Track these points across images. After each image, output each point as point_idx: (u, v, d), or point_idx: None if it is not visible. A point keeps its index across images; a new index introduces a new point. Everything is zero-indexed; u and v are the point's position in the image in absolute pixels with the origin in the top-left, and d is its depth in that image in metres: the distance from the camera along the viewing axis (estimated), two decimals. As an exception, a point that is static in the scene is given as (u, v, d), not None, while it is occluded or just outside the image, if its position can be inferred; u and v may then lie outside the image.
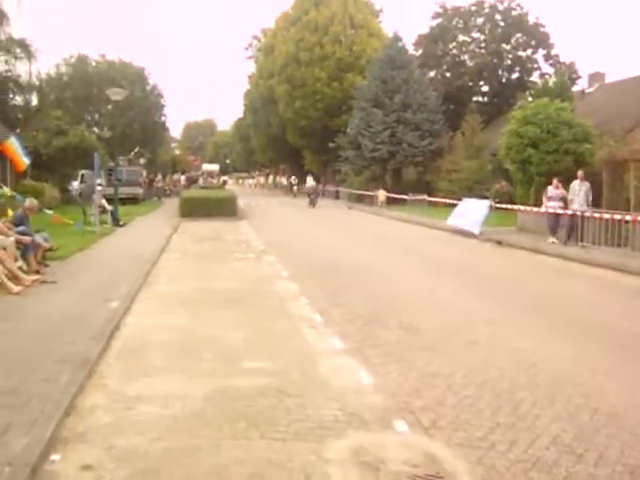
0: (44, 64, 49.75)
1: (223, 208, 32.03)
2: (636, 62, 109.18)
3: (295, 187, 61.15)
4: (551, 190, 21.13)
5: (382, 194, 41.46)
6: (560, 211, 20.52)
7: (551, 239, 20.50)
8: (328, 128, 53.04)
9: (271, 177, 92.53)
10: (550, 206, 20.85)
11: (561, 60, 53.07)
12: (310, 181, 62.43)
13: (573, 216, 19.97)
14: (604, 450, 5.31)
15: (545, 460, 5.12)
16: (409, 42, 52.43)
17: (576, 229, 19.84)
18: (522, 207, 23.82)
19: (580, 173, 20.57)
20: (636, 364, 7.76)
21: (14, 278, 11.68)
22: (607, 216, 18.64)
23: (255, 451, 5.29)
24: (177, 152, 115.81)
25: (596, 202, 21.15)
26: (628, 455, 5.23)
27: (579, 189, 20.23)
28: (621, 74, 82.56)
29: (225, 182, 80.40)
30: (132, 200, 40.31)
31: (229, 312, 10.45)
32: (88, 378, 6.94)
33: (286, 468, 5.01)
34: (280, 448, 5.35)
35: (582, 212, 19.64)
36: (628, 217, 17.74)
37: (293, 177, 65.09)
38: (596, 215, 19.16)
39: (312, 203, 42.49)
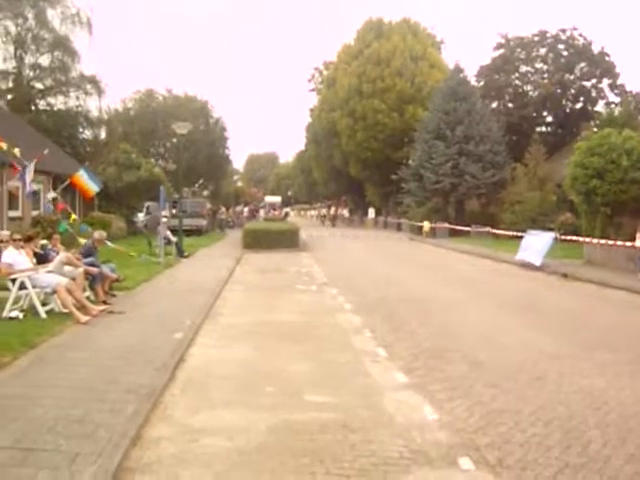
0: (112, 99, 51.31)
1: (285, 240, 32.23)
2: None
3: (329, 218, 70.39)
4: None
5: (427, 225, 43.26)
6: None
7: None
8: (390, 160, 53.23)
9: (333, 209, 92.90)
10: None
11: (627, 89, 52.27)
12: (372, 213, 62.79)
13: None
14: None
15: (617, 503, 4.98)
16: (471, 73, 52.44)
17: None
18: (588, 239, 23.37)
19: None
20: None
21: (82, 308, 11.92)
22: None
23: (316, 486, 5.26)
24: (240, 184, 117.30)
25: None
26: None
27: None
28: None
29: (287, 214, 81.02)
30: (196, 232, 40.81)
31: (292, 345, 10.45)
32: (153, 409, 7.00)
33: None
34: (344, 484, 5.31)
35: None
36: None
37: (324, 210, 68.26)
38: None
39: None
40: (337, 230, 55.37)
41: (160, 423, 6.68)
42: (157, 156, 62.32)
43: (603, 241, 21.89)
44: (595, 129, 30.07)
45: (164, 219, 25.49)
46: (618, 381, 8.36)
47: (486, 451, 5.96)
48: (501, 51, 54.60)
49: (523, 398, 7.53)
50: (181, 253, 26.03)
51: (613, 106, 44.66)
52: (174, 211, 35.60)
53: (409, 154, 48.14)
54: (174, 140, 58.92)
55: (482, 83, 54.15)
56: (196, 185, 64.07)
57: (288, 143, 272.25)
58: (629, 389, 7.98)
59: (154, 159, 54.60)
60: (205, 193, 66.90)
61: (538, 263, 22.53)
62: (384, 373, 8.72)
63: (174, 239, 26.00)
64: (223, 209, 60.28)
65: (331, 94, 62.49)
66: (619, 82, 53.07)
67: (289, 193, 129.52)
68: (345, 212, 76.57)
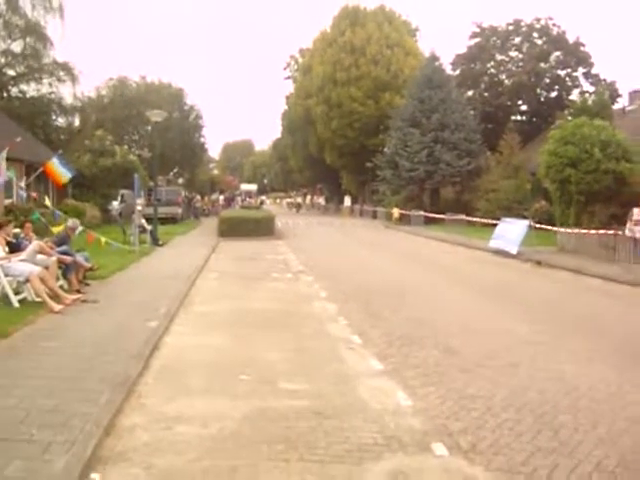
0: (86, 86, 50.79)
1: (261, 228, 32.22)
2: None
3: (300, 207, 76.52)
4: (638, 212, 19.52)
5: (396, 211, 44.07)
6: None
7: None
8: (365, 148, 53.19)
9: (309, 197, 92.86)
10: (638, 232, 19.20)
11: (601, 78, 52.63)
12: (347, 201, 62.80)
13: None
14: (649, 477, 5.20)
15: (588, 487, 5.03)
16: (447, 62, 52.46)
17: None
18: (562, 227, 23.55)
19: None
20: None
21: (55, 297, 11.84)
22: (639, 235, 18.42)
23: (293, 473, 5.27)
24: (215, 172, 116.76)
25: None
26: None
27: None
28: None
29: (263, 202, 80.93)
30: (171, 220, 40.68)
31: (267, 333, 10.45)
32: (127, 398, 6.98)
33: (326, 491, 4.99)
34: (318, 470, 5.33)
35: None
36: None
37: (299, 198, 69.78)
38: (638, 235, 18.89)
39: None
40: (313, 218, 55.36)
41: (134, 412, 6.66)
42: (131, 143, 61.74)
43: (577, 229, 22.04)
44: (569, 118, 30.20)
45: (139, 207, 25.34)
46: (590, 367, 8.46)
47: (459, 437, 6.01)
48: (476, 40, 54.70)
49: (496, 384, 7.60)
50: (156, 241, 25.91)
51: (587, 95, 44.89)
52: (149, 199, 35.38)
53: (385, 142, 48.14)
54: (148, 128, 58.41)
55: (458, 72, 54.25)
56: (171, 173, 63.78)
57: (264, 131, 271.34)
58: (600, 375, 8.08)
59: (128, 146, 54.00)
60: (180, 181, 66.65)
61: (514, 251, 22.66)
62: (359, 360, 8.75)
63: (149, 227, 25.86)
64: (198, 197, 60.09)
65: (306, 82, 62.27)
66: (594, 71, 53.42)
67: (265, 181, 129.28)
68: (321, 200, 76.53)
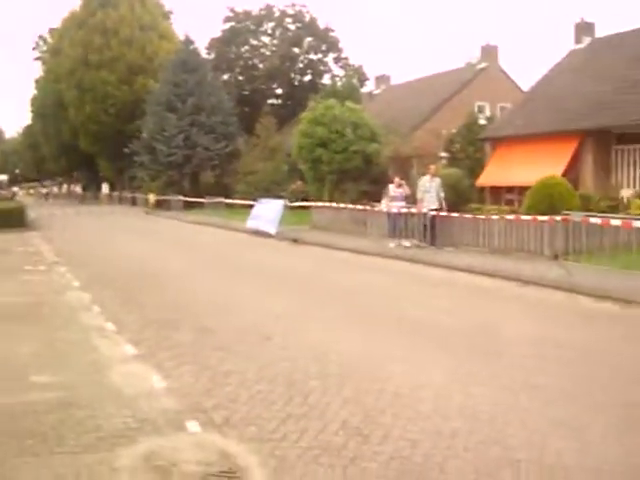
0: None
1: (12, 220, 30.26)
2: (416, 65, 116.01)
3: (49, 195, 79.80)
4: (393, 189, 19.61)
5: (152, 197, 44.07)
6: (405, 211, 19.17)
7: (392, 243, 18.83)
8: (122, 133, 51.65)
9: (65, 186, 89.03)
10: (393, 206, 19.27)
11: (350, 63, 55.21)
12: (105, 188, 60.94)
13: (425, 216, 18.33)
14: (389, 429, 5.54)
15: (334, 445, 5.26)
16: (202, 46, 52.41)
17: (433, 230, 18.21)
18: (315, 205, 24.46)
19: (432, 167, 19.19)
20: (420, 347, 8.23)
21: None
22: (394, 210, 19.61)
23: (42, 468, 5.03)
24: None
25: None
26: (410, 430, 5.50)
27: (429, 186, 18.45)
28: (405, 76, 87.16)
29: (15, 194, 76.32)
30: None
31: (15, 327, 9.85)
32: None
33: (73, 483, 4.80)
34: (69, 462, 5.11)
35: (437, 211, 18.16)
36: (414, 210, 18.71)
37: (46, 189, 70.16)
38: (384, 209, 20.08)
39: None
40: (70, 207, 53.07)
41: None
42: None
43: (328, 204, 22.98)
44: (321, 100, 31.40)
45: None
46: (339, 334, 8.89)
47: (213, 412, 6.05)
48: (231, 24, 55.13)
49: (250, 358, 7.74)
50: None
51: (338, 79, 46.89)
52: None
53: (141, 127, 47.20)
54: None
55: (213, 55, 54.39)
56: None
57: (14, 116, 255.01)
58: (348, 340, 8.52)
59: None
60: None
61: (274, 231, 23.18)
62: (112, 347, 8.52)
63: None
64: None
65: (57, 64, 59.33)
66: (343, 56, 55.91)
67: (17, 171, 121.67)
68: (78, 188, 73.62)
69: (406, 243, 18.61)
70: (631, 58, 24.77)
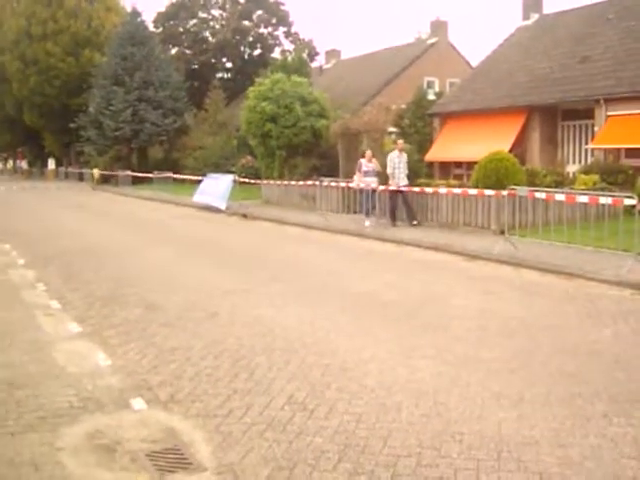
0: None
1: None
2: (366, 40, 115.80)
3: None
4: (365, 164, 18.38)
5: (96, 172, 43.66)
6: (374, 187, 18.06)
7: (367, 222, 17.88)
8: (68, 108, 50.42)
9: (10, 161, 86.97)
10: (366, 182, 18.12)
11: (300, 37, 54.86)
12: (52, 164, 59.69)
13: (398, 193, 17.63)
14: (334, 403, 5.59)
15: (280, 420, 5.28)
16: (150, 19, 51.54)
17: (410, 207, 17.68)
18: (265, 180, 24.38)
19: (400, 143, 18.63)
20: (366, 322, 8.28)
21: None
22: (343, 184, 19.63)
23: (-20, 451, 4.95)
24: None
25: (334, 172, 22.21)
26: (355, 404, 5.55)
27: (399, 161, 17.82)
28: (355, 51, 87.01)
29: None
30: None
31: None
32: None
33: (14, 463, 4.70)
34: (8, 443, 5.02)
35: (407, 187, 17.65)
36: (362, 185, 18.68)
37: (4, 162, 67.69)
38: (333, 184, 20.08)
39: None
40: (15, 183, 51.99)
41: None
42: None
43: (280, 182, 22.92)
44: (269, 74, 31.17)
45: None
46: (285, 310, 8.91)
47: (158, 389, 6.02)
48: (178, -4, 54.33)
49: (196, 335, 7.71)
50: None
51: (288, 53, 46.61)
52: None
53: (88, 101, 46.26)
54: None
55: (160, 29, 53.54)
56: None
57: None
58: (294, 316, 8.55)
59: None
60: None
61: (223, 207, 23.03)
62: (57, 325, 8.39)
63: None
64: None
65: (-1, 36, 57.67)
66: (293, 30, 55.53)
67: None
68: (24, 164, 72.03)
69: (379, 221, 17.91)
70: (577, 35, 25.10)
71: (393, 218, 17.69)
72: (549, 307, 9.08)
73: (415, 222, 17.45)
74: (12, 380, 6.34)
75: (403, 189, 17.56)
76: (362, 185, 18.23)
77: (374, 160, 18.37)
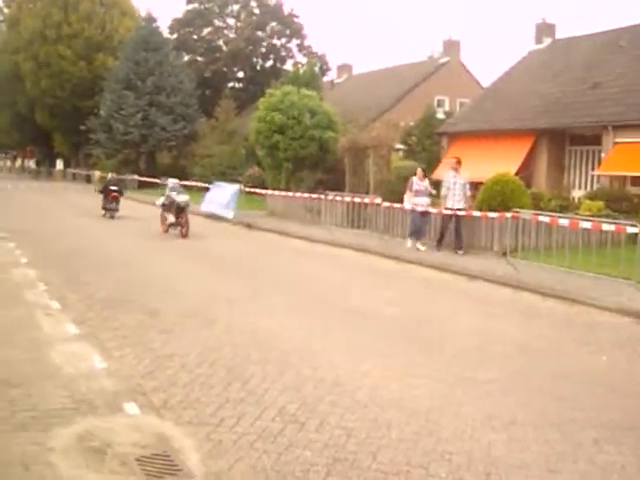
0: None
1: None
2: (378, 56, 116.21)
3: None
4: (417, 182, 16.95)
5: (97, 174, 43.38)
6: (424, 209, 16.60)
7: (416, 244, 16.66)
8: (79, 110, 50.57)
9: (19, 160, 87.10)
10: (417, 203, 16.68)
11: (313, 51, 55.04)
12: (60, 165, 59.77)
13: (452, 217, 16.17)
14: (326, 417, 5.59)
15: (270, 431, 5.29)
16: (164, 25, 51.80)
17: (460, 234, 16.11)
18: (270, 191, 24.38)
19: (454, 162, 16.87)
20: (363, 338, 8.29)
21: None
22: (348, 199, 19.66)
23: (-30, 446, 4.96)
24: None
25: (339, 186, 22.25)
26: (347, 419, 5.56)
27: (454, 182, 16.25)
28: (367, 67, 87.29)
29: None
30: None
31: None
32: None
33: (4, 462, 4.72)
34: (-1, 441, 5.06)
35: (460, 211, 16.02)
36: (367, 200, 18.76)
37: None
38: (338, 198, 20.11)
39: None
40: (23, 182, 52.03)
41: None
42: None
43: (284, 193, 22.91)
44: (280, 86, 31.29)
45: None
46: (284, 321, 8.92)
47: (152, 395, 6.04)
48: (194, 5, 54.54)
49: (193, 342, 7.72)
50: None
51: (300, 66, 46.76)
52: None
53: (99, 104, 46.42)
54: None
55: (175, 36, 53.79)
56: None
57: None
58: (292, 327, 8.57)
59: None
60: None
61: (230, 215, 22.99)
62: (56, 325, 8.42)
63: None
64: None
65: (15, 35, 57.88)
66: (306, 43, 55.74)
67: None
68: (32, 163, 72.19)
69: (421, 247, 16.58)
70: (589, 61, 25.16)
71: (440, 242, 16.45)
72: (548, 331, 9.07)
73: (461, 252, 15.85)
74: (7, 378, 6.36)
75: (458, 213, 15.99)
76: (410, 206, 16.77)
77: (426, 179, 17.29)
